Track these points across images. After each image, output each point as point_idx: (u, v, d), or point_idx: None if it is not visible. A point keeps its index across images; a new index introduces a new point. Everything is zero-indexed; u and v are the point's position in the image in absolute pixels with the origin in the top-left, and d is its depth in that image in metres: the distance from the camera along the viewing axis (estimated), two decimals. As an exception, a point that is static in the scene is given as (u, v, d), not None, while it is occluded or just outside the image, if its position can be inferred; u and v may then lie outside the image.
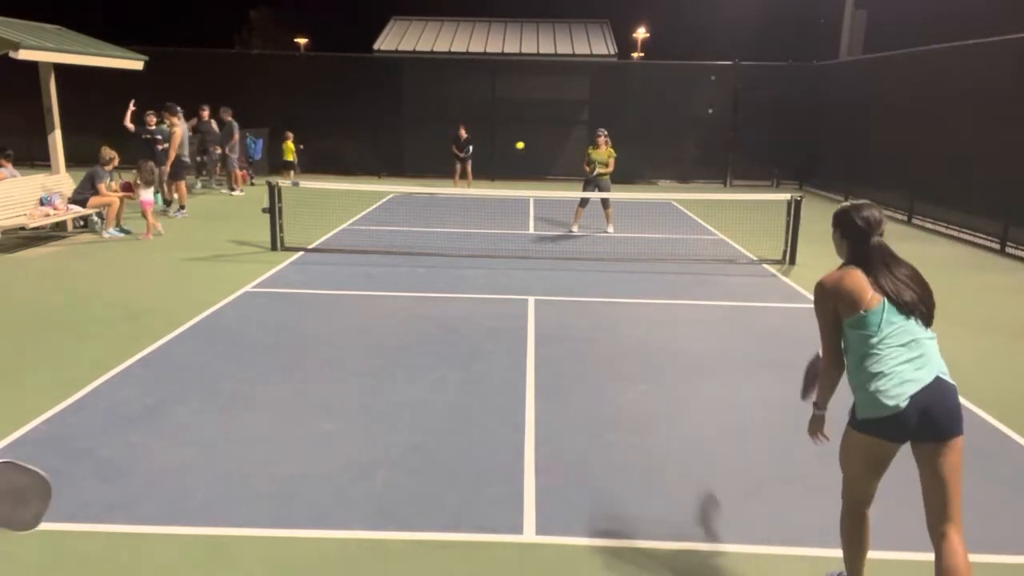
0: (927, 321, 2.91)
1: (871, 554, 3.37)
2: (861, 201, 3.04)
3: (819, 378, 3.09)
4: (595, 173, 11.51)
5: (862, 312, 2.81)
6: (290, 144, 17.75)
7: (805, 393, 3.37)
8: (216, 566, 3.33)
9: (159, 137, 13.32)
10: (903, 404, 2.74)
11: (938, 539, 2.82)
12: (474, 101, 19.63)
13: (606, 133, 11.63)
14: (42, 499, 1.89)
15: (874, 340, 2.81)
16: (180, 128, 13.23)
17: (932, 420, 2.78)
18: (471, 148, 16.52)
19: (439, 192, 15.74)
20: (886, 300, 2.81)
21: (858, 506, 3.05)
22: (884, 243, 2.92)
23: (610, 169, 11.53)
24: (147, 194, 10.89)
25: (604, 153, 11.48)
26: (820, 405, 3.15)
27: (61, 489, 3.91)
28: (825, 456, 4.50)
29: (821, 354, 3.07)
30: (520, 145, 14.80)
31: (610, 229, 12.01)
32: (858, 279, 2.84)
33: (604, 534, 3.62)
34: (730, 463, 4.38)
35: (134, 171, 11.92)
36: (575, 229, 11.93)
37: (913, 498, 4.02)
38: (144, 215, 10.79)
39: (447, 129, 17.34)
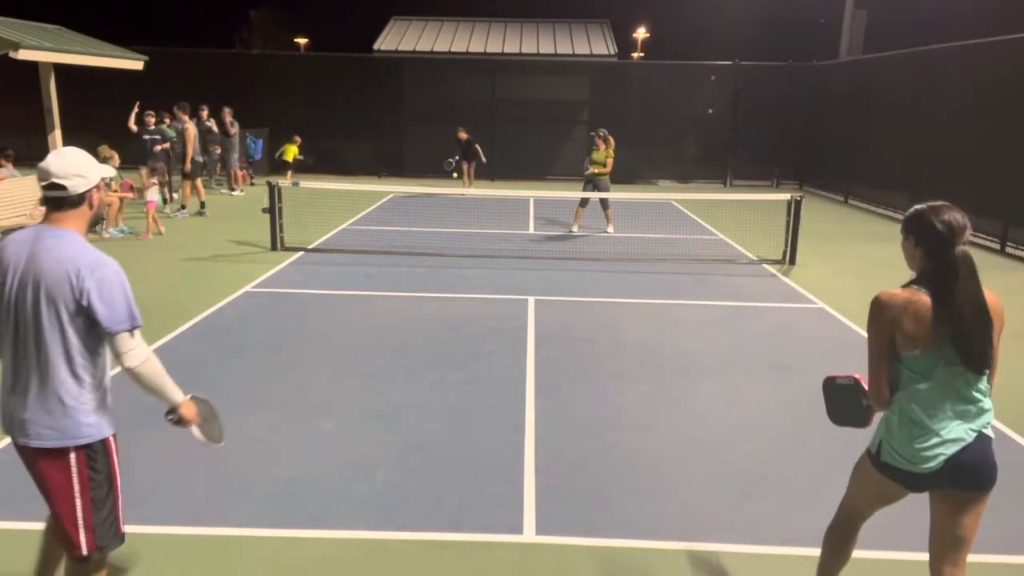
0: (987, 368, 2.54)
1: (870, 554, 3.38)
2: (940, 202, 2.57)
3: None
4: (594, 173, 11.51)
5: (918, 352, 2.44)
6: (293, 147, 17.60)
7: (843, 422, 2.92)
8: (216, 566, 3.33)
9: (158, 137, 13.34)
10: (938, 467, 2.48)
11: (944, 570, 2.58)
12: (474, 101, 19.63)
13: (604, 133, 11.62)
14: (217, 417, 2.86)
15: (923, 386, 2.47)
16: (192, 128, 13.26)
17: (965, 475, 2.52)
18: (480, 151, 16.15)
19: (440, 192, 15.70)
20: (952, 343, 2.42)
21: (852, 524, 2.89)
22: (969, 256, 2.45)
23: (607, 169, 11.52)
24: (153, 194, 10.90)
25: (602, 154, 11.48)
26: None
27: (61, 489, 3.92)
28: (825, 456, 4.51)
29: (867, 385, 2.64)
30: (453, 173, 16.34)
31: (610, 229, 12.01)
32: (925, 309, 2.42)
33: (604, 534, 3.62)
34: (730, 463, 4.38)
35: (144, 170, 11.99)
36: (575, 229, 11.94)
37: (912, 498, 4.03)
38: (147, 214, 10.80)
39: (448, 130, 17.35)
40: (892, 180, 14.72)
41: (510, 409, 5.05)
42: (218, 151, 16.11)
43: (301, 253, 9.89)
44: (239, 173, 16.31)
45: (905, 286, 2.53)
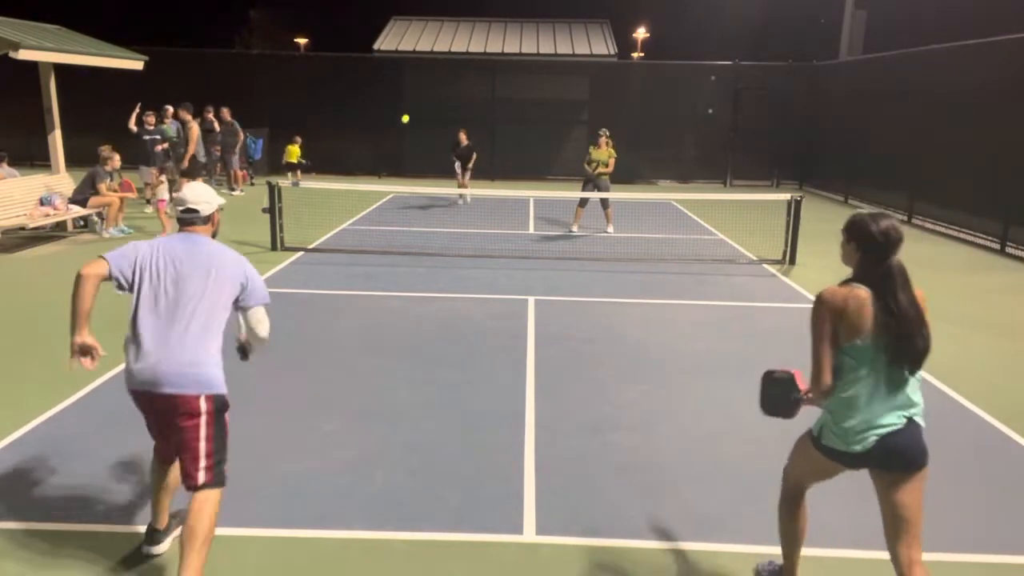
0: (919, 366, 2.72)
1: (870, 553, 3.38)
2: (879, 211, 2.86)
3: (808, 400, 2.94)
4: (596, 173, 11.51)
5: (858, 342, 2.68)
6: (296, 148, 17.44)
7: (774, 412, 3.12)
8: (216, 566, 3.33)
9: (158, 137, 13.34)
10: (869, 447, 2.72)
11: (903, 556, 2.75)
12: (474, 101, 19.62)
13: (608, 133, 11.64)
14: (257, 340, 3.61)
15: (861, 374, 2.72)
16: (195, 127, 13.27)
17: (894, 458, 2.73)
18: (474, 156, 14.86)
19: (440, 192, 15.70)
20: (887, 336, 2.65)
21: (799, 493, 3.10)
22: (903, 266, 2.70)
23: (610, 169, 11.53)
24: (164, 192, 10.90)
25: (605, 153, 11.49)
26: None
27: (61, 489, 3.92)
28: (825, 456, 4.50)
29: (810, 379, 2.87)
30: (405, 118, 15.86)
31: (610, 229, 12.01)
32: (865, 304, 2.65)
33: (604, 534, 3.62)
34: (730, 463, 4.38)
35: (154, 170, 12.02)
36: (575, 229, 11.94)
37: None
38: (161, 214, 10.80)
39: (448, 130, 17.28)
40: (892, 180, 14.72)
41: (510, 409, 5.05)
42: (218, 151, 16.12)
43: (301, 253, 9.89)
44: (239, 173, 16.31)
45: (843, 283, 2.75)
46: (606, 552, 3.50)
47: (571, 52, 22.13)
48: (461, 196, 15.05)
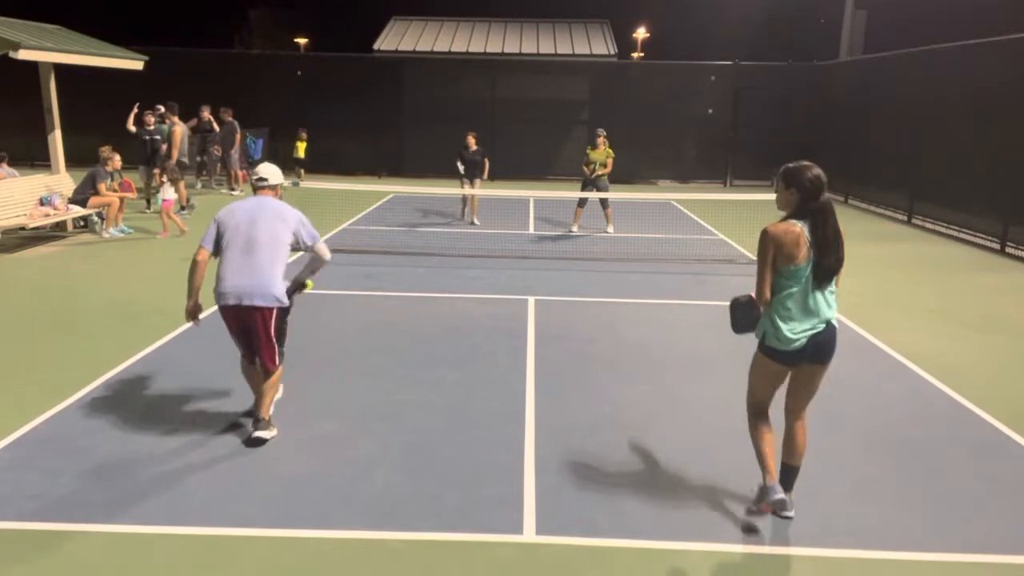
0: (835, 278, 3.56)
1: (869, 553, 3.40)
2: (805, 162, 3.55)
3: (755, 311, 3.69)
4: (594, 175, 11.52)
5: (791, 266, 3.49)
6: (303, 143, 17.46)
7: (742, 330, 3.85)
8: (216, 566, 3.33)
9: (158, 137, 13.34)
10: (803, 346, 3.54)
11: (792, 422, 3.78)
12: (474, 101, 19.62)
13: (605, 134, 11.65)
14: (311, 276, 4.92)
15: (795, 290, 3.53)
16: (180, 128, 13.23)
17: (820, 351, 3.58)
18: (487, 164, 12.48)
19: (441, 192, 15.66)
20: (813, 259, 3.47)
21: (761, 407, 3.81)
22: (831, 203, 3.48)
23: (608, 170, 11.54)
24: (168, 193, 10.89)
25: (602, 153, 11.50)
26: None
27: (61, 489, 3.92)
28: (824, 456, 4.51)
29: (755, 293, 3.66)
30: None
31: (610, 229, 12.02)
32: (800, 236, 3.46)
33: (604, 534, 3.62)
34: (730, 463, 4.38)
35: (156, 170, 12.01)
36: (575, 229, 11.94)
37: (913, 499, 4.03)
38: (164, 214, 10.79)
39: (447, 130, 17.19)
40: (892, 180, 14.72)
41: (510, 409, 5.05)
42: (218, 151, 16.12)
43: (301, 253, 9.87)
44: (239, 173, 16.31)
45: (782, 221, 3.55)
46: (606, 552, 3.50)
47: (571, 52, 22.14)
48: (465, 214, 12.88)
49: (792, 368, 3.67)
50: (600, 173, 11.51)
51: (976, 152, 12.03)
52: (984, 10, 22.01)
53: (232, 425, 4.74)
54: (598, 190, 11.65)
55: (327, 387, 5.40)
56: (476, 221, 12.61)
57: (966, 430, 4.92)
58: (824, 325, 3.54)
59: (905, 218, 14.00)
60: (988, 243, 11.54)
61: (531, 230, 12.30)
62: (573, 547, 3.53)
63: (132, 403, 5.03)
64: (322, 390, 5.34)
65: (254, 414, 4.62)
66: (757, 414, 3.83)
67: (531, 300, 7.81)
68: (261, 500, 3.85)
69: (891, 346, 6.57)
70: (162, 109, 13.88)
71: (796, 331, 3.52)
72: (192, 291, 4.54)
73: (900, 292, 8.58)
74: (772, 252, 3.52)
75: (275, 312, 4.48)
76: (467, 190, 12.11)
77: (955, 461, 4.46)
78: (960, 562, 3.48)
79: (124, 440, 4.48)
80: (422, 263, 9.49)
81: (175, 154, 13.00)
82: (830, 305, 3.57)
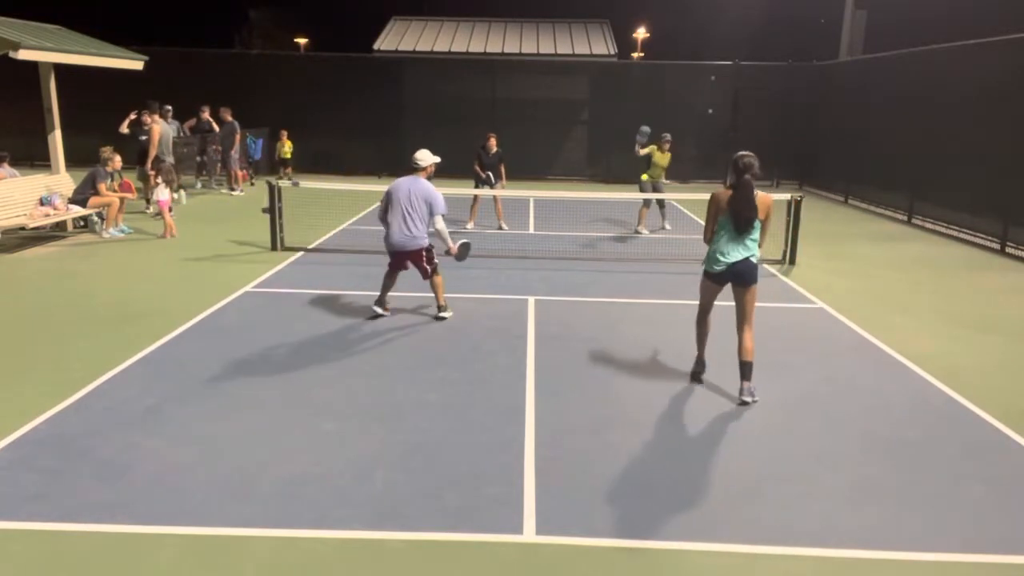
0: (750, 227, 5.16)
1: (869, 553, 3.41)
2: (746, 152, 5.19)
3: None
4: (658, 178, 12.05)
5: (721, 217, 5.23)
6: (287, 142, 17.74)
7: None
8: (216, 566, 3.33)
9: (143, 139, 13.34)
10: (724, 270, 5.23)
11: (741, 332, 5.28)
12: (474, 101, 19.63)
13: (670, 137, 12.11)
14: (468, 251, 7.39)
15: (724, 232, 5.24)
16: (157, 127, 13.15)
17: (738, 276, 5.22)
18: (501, 169, 12.15)
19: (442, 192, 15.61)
20: (731, 211, 5.16)
21: (703, 310, 5.59)
22: (751, 181, 5.11)
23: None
24: (164, 193, 10.88)
25: (667, 158, 12.03)
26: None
27: (61, 489, 3.92)
28: (824, 456, 4.51)
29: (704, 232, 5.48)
30: None
31: (667, 226, 12.50)
32: (727, 197, 5.19)
33: (604, 534, 3.62)
34: (730, 463, 4.38)
35: (152, 171, 11.99)
36: (642, 230, 12.13)
37: (913, 499, 4.03)
38: (162, 215, 10.78)
39: (447, 130, 17.23)
40: (892, 180, 14.72)
41: (510, 409, 5.05)
42: (218, 151, 16.12)
43: (301, 253, 9.89)
44: (239, 173, 16.31)
45: (726, 188, 5.25)
46: (606, 552, 3.50)
47: (571, 52, 22.14)
48: (475, 217, 12.50)
49: (722, 287, 5.35)
50: (661, 178, 12.12)
51: (976, 152, 12.03)
52: (984, 10, 22.01)
53: (232, 425, 4.74)
54: (657, 191, 12.11)
55: (327, 387, 5.40)
56: (504, 226, 12.17)
57: (966, 430, 4.92)
58: (742, 258, 5.17)
59: (905, 218, 14.00)
60: (988, 243, 11.53)
61: (531, 230, 12.30)
62: (573, 547, 3.53)
63: (132, 403, 5.03)
64: (322, 390, 5.34)
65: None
66: (701, 315, 5.61)
67: (531, 300, 7.81)
68: (261, 500, 3.85)
69: (891, 346, 6.57)
70: (163, 110, 13.90)
71: (721, 259, 5.21)
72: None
73: (900, 292, 8.58)
74: (715, 206, 5.27)
75: (427, 253, 6.83)
76: (485, 191, 11.65)
77: (955, 461, 4.46)
78: (960, 562, 3.48)
79: (124, 440, 4.48)
80: (422, 263, 9.48)
81: (152, 153, 12.94)
82: (747, 247, 5.18)
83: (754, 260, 5.20)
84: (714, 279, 5.32)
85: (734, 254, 5.16)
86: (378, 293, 7.05)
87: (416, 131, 19.77)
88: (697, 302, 5.63)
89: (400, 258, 6.87)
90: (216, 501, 3.82)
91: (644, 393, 5.42)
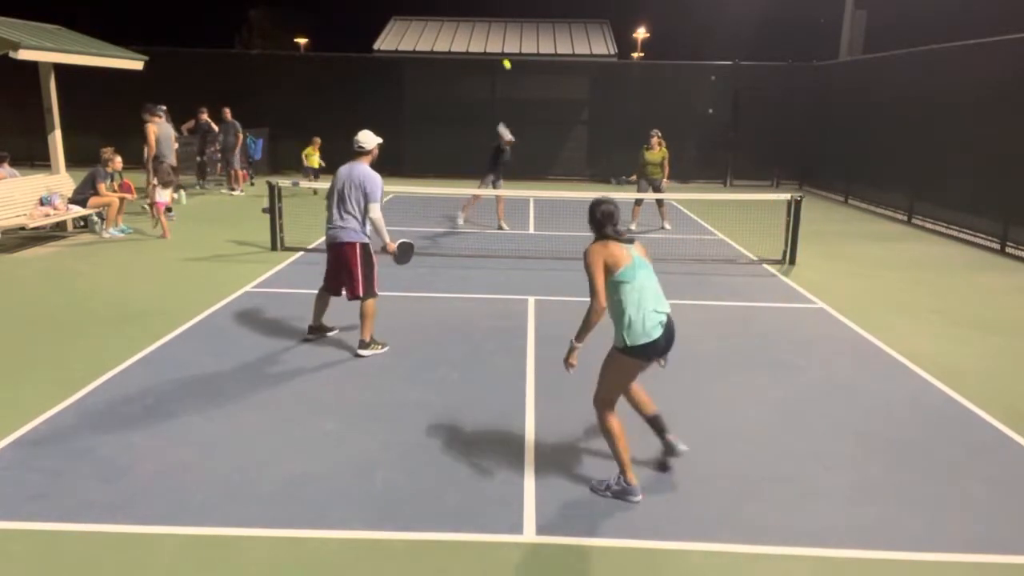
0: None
1: (869, 553, 3.41)
2: (602, 197, 4.25)
3: (588, 321, 4.00)
4: (652, 175, 12.00)
5: (622, 268, 3.94)
6: (314, 151, 15.75)
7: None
8: (216, 566, 3.33)
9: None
10: (660, 332, 3.92)
11: (635, 400, 4.25)
12: (474, 101, 19.62)
13: (660, 133, 11.95)
14: (410, 252, 6.42)
15: (631, 287, 3.95)
16: (153, 127, 13.12)
17: (669, 336, 3.99)
18: (505, 155, 12.17)
19: (441, 192, 15.63)
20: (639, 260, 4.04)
21: (613, 409, 4.06)
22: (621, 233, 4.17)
23: (666, 172, 12.11)
24: (162, 195, 10.87)
25: (659, 154, 11.96)
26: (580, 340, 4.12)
27: (61, 489, 3.92)
28: (824, 456, 4.51)
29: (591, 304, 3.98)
30: (506, 63, 14.27)
31: (667, 226, 12.42)
32: (616, 247, 4.02)
33: (604, 534, 3.62)
34: (730, 463, 4.38)
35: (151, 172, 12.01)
36: (634, 227, 12.25)
37: (913, 499, 4.04)
38: (158, 216, 10.77)
39: (447, 130, 17.21)
40: (892, 180, 14.72)
41: (510, 409, 5.05)
42: (217, 152, 16.11)
43: (301, 253, 9.89)
44: (239, 173, 16.30)
45: (594, 243, 4.08)
46: (606, 552, 3.50)
47: (571, 52, 22.13)
48: (465, 215, 12.49)
49: (649, 362, 4.18)
50: (656, 174, 11.99)
51: (976, 152, 12.03)
52: (984, 10, 22.01)
53: (232, 425, 4.74)
54: (655, 190, 12.05)
55: (327, 387, 5.40)
56: (504, 226, 12.13)
57: (966, 430, 4.92)
58: (667, 314, 4.08)
59: (905, 218, 14.00)
60: (988, 243, 11.53)
61: (531, 230, 12.30)
62: (573, 547, 3.53)
63: (132, 403, 5.03)
64: (322, 390, 5.34)
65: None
66: (610, 414, 4.12)
67: (531, 300, 7.81)
68: (261, 500, 3.85)
69: (891, 346, 6.57)
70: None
71: (651, 322, 3.94)
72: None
73: (900, 292, 8.58)
74: (601, 263, 4.03)
75: (360, 249, 5.97)
76: (488, 191, 11.69)
77: (955, 461, 4.46)
78: (960, 562, 3.48)
79: (124, 440, 4.48)
80: (422, 263, 9.48)
81: (150, 153, 12.92)
82: (660, 297, 4.13)
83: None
84: (648, 353, 3.93)
85: (660, 306, 4.00)
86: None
87: (416, 131, 19.80)
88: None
89: (334, 256, 6.03)
90: (216, 501, 3.82)
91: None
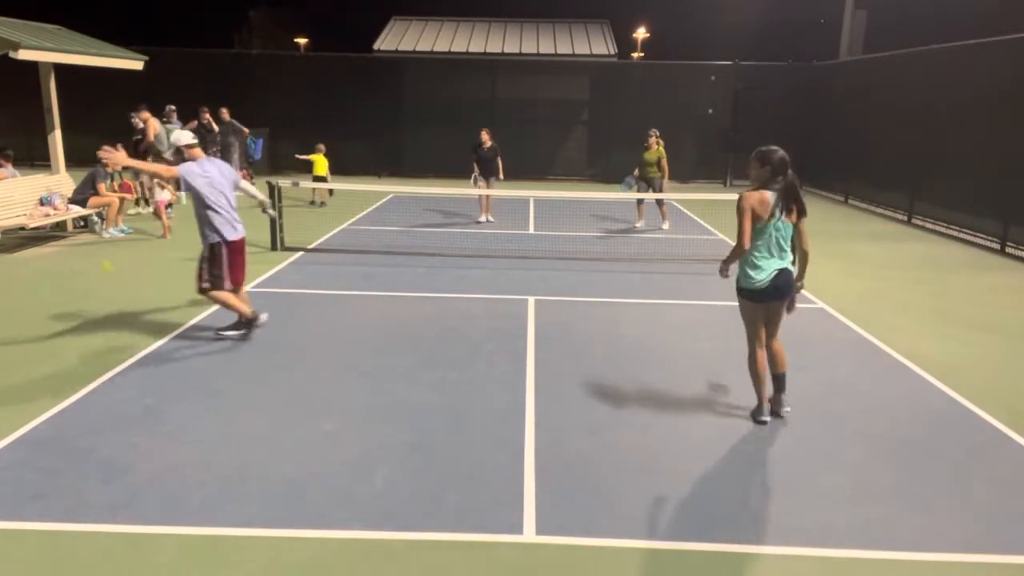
0: (803, 216, 4.65)
1: (870, 553, 3.41)
2: (774, 146, 4.57)
3: (734, 254, 4.72)
4: (651, 175, 11.97)
5: (760, 224, 4.56)
6: (321, 159, 14.61)
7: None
8: (216, 566, 3.33)
9: (138, 138, 13.33)
10: (767, 283, 4.63)
11: (770, 344, 4.88)
12: (474, 101, 19.63)
13: (658, 133, 11.97)
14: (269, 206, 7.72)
15: (761, 241, 4.60)
16: (153, 121, 13.14)
17: (779, 290, 4.66)
18: (500, 163, 12.48)
19: (439, 193, 15.65)
20: (779, 215, 4.54)
21: (758, 343, 4.84)
22: (794, 177, 4.58)
23: (664, 172, 12.04)
24: (163, 194, 10.88)
25: (655, 154, 11.94)
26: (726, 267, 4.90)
27: (61, 489, 3.92)
28: (824, 456, 4.51)
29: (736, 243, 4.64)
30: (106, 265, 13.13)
31: (665, 226, 12.39)
32: (769, 199, 4.54)
33: (604, 534, 3.62)
34: (730, 463, 4.38)
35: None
36: (639, 225, 12.36)
37: (913, 499, 4.04)
38: (158, 215, 10.77)
39: (447, 130, 17.22)
40: (892, 180, 14.72)
41: (510, 409, 5.05)
42: (217, 152, 16.08)
43: (301, 253, 9.89)
44: (239, 173, 16.27)
45: (753, 190, 4.60)
46: (606, 552, 3.50)
47: (571, 52, 22.13)
48: (485, 217, 12.80)
49: (761, 303, 4.81)
50: (654, 174, 11.96)
51: (976, 152, 12.03)
52: (984, 10, 22.01)
53: (232, 425, 4.74)
54: (654, 190, 12.02)
55: (327, 387, 5.40)
56: (491, 219, 12.83)
57: (966, 430, 4.92)
58: (781, 268, 4.65)
59: (905, 218, 14.00)
60: (988, 243, 11.53)
61: (531, 230, 12.30)
62: (573, 547, 3.53)
63: (132, 403, 5.03)
64: (322, 390, 5.34)
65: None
66: (757, 348, 4.89)
67: (531, 300, 7.81)
68: (261, 500, 3.85)
69: (891, 346, 6.57)
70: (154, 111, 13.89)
71: (763, 273, 4.62)
72: None
73: (900, 292, 8.58)
74: (749, 211, 4.54)
75: (212, 249, 6.07)
76: (482, 190, 12.06)
77: (955, 461, 4.46)
78: (960, 562, 3.48)
79: (124, 440, 4.48)
80: (422, 263, 9.49)
81: (148, 141, 12.92)
82: (785, 255, 4.68)
83: (791, 268, 4.74)
84: (757, 297, 4.70)
85: (773, 263, 4.62)
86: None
87: (416, 131, 19.82)
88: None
89: (239, 249, 6.27)
90: (216, 501, 3.82)
91: (644, 393, 5.42)
